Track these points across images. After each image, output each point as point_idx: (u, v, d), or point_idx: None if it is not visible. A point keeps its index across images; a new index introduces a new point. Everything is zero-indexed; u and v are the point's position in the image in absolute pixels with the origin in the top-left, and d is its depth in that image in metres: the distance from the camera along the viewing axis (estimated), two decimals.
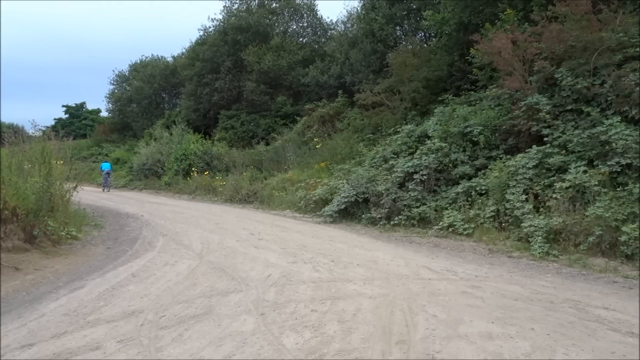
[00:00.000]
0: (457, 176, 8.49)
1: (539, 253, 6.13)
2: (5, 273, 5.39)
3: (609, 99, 7.20)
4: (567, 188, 6.62)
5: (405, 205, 8.54)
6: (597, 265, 5.65)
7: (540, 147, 7.38)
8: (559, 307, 4.19)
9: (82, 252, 6.90)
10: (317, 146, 14.39)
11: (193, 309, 4.26)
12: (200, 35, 22.59)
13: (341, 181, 10.31)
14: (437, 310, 4.09)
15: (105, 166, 18.93)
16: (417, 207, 8.41)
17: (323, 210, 9.71)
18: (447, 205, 8.21)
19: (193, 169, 16.56)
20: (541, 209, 6.83)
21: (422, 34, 15.37)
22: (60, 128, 22.66)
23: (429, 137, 9.45)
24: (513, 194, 7.13)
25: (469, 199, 7.95)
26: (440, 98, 11.05)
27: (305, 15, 21.72)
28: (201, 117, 21.78)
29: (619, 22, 7.82)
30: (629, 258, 5.62)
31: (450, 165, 8.65)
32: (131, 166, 20.38)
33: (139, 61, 28.78)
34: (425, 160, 8.75)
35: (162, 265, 6.01)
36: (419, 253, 6.63)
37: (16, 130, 11.68)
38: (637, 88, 6.82)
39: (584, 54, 7.72)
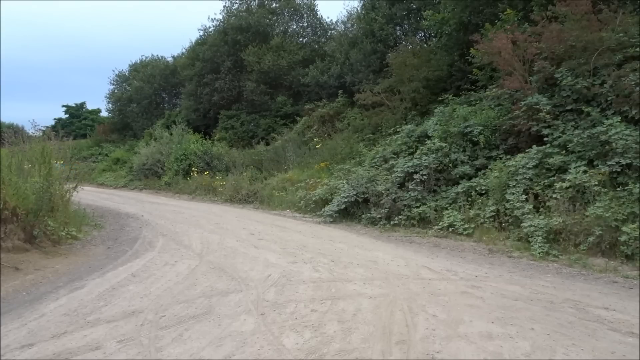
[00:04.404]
0: (457, 176, 8.49)
1: (539, 253, 6.13)
2: (5, 273, 5.40)
3: (609, 99, 7.20)
4: (567, 188, 6.62)
5: (405, 205, 8.54)
6: (597, 265, 5.65)
7: (540, 147, 7.37)
8: (559, 307, 4.19)
9: (82, 252, 6.91)
10: (317, 146, 14.38)
11: (193, 309, 4.27)
12: (200, 35, 22.55)
13: (341, 181, 10.30)
14: (437, 310, 4.09)
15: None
16: (417, 207, 8.41)
17: (323, 210, 9.71)
18: (447, 205, 8.21)
19: (193, 169, 16.55)
20: (541, 209, 6.83)
21: (422, 34, 15.34)
22: (60, 128, 22.59)
23: (429, 137, 9.45)
24: (513, 194, 7.13)
25: (469, 199, 7.95)
26: (440, 98, 11.04)
27: (305, 15, 21.68)
28: (201, 117, 21.76)
29: (619, 22, 7.81)
30: (629, 258, 5.62)
31: (450, 165, 8.65)
32: (131, 166, 20.35)
33: (139, 61, 28.71)
34: (425, 160, 8.75)
35: (162, 265, 6.01)
36: (419, 253, 6.63)
37: (16, 130, 11.68)
38: (637, 88, 6.82)
39: (584, 54, 7.72)
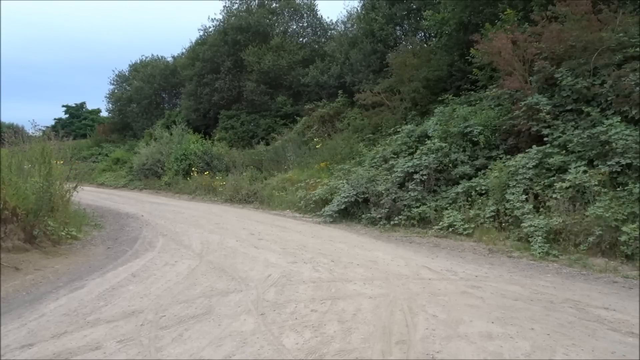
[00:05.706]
0: (457, 176, 8.49)
1: (539, 253, 6.13)
2: (5, 273, 5.40)
3: (609, 99, 7.20)
4: (567, 188, 6.62)
5: (405, 205, 8.54)
6: (597, 265, 5.65)
7: (540, 147, 7.37)
8: (559, 307, 4.19)
9: (82, 252, 6.91)
10: (317, 146, 14.38)
11: (193, 309, 4.27)
12: (200, 35, 22.56)
13: (341, 181, 10.30)
14: (437, 310, 4.09)
15: None
16: (417, 207, 8.41)
17: (323, 210, 9.71)
18: (447, 205, 8.21)
19: (193, 169, 16.55)
20: (541, 209, 6.83)
21: (422, 34, 15.35)
22: (60, 128, 22.61)
23: (429, 137, 9.45)
24: (513, 194, 7.13)
25: (469, 199, 7.95)
26: (440, 98, 11.04)
27: (305, 15, 21.68)
28: (201, 117, 21.76)
29: (619, 22, 7.81)
30: (629, 258, 5.62)
31: (450, 165, 8.65)
32: (131, 166, 20.35)
33: (139, 61, 28.71)
34: (425, 160, 8.75)
35: (162, 265, 6.01)
36: (419, 253, 6.63)
37: (16, 130, 11.66)
38: (637, 88, 6.82)
39: (584, 54, 7.72)
